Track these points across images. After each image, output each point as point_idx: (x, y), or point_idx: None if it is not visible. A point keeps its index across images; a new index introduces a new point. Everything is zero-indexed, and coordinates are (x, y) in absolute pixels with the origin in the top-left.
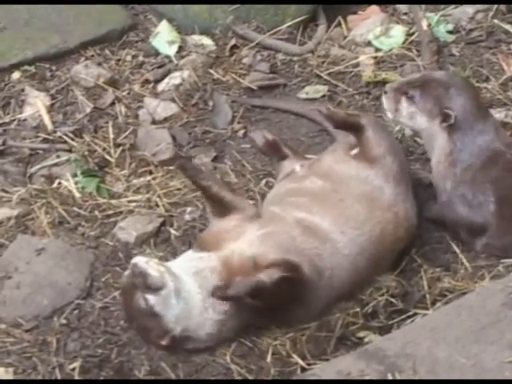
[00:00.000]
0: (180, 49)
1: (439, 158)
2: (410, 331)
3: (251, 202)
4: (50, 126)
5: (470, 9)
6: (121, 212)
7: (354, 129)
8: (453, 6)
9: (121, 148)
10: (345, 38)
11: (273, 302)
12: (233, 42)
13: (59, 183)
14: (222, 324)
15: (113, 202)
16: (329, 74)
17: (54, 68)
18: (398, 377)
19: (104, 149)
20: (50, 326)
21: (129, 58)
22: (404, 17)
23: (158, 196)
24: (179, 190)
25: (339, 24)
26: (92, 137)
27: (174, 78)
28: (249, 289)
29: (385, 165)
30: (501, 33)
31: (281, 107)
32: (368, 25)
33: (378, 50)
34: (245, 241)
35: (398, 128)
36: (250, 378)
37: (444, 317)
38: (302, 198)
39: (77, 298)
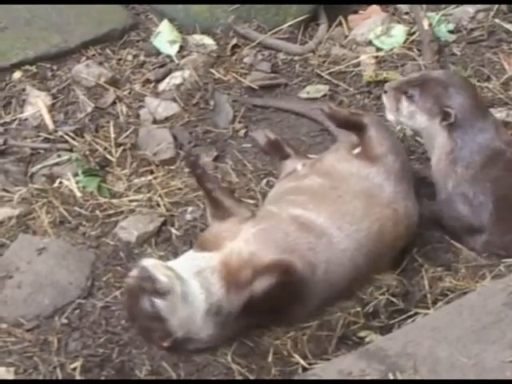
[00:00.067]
0: (181, 48)
1: (440, 156)
2: (411, 331)
3: (252, 201)
4: (51, 126)
5: (471, 8)
6: (122, 211)
7: (356, 128)
8: (454, 5)
9: (122, 147)
10: (346, 37)
11: (269, 306)
12: (234, 41)
13: (60, 183)
14: (223, 325)
15: (114, 201)
16: (330, 74)
17: (55, 67)
18: (399, 376)
19: (105, 148)
20: (51, 326)
21: (130, 57)
22: (405, 16)
23: (159, 195)
24: (180, 189)
25: (340, 23)
26: (93, 136)
27: (175, 78)
28: (243, 305)
29: (386, 163)
30: (502, 32)
31: (282, 107)
32: (369, 24)
33: (379, 49)
34: (241, 239)
35: (399, 127)
36: (251, 377)
37: (445, 316)
38: (300, 195)
39: (78, 298)
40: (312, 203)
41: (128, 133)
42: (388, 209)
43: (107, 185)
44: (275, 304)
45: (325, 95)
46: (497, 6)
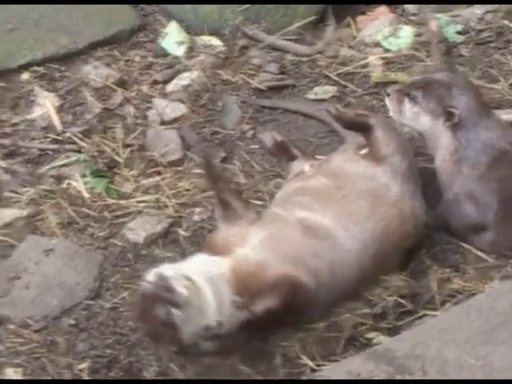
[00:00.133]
0: (189, 49)
1: (444, 157)
2: (419, 332)
3: (260, 202)
4: (59, 127)
5: (479, 9)
6: (130, 212)
7: (363, 129)
8: (462, 6)
9: (130, 148)
10: (354, 38)
11: (271, 322)
12: (242, 42)
13: (68, 184)
14: (232, 333)
15: (122, 202)
16: (338, 75)
17: (63, 69)
18: (407, 378)
19: (113, 149)
20: (58, 327)
21: (138, 58)
22: (413, 17)
23: (167, 196)
24: (188, 190)
25: (348, 24)
26: (101, 137)
27: (183, 79)
28: (246, 325)
29: (393, 163)
30: (510, 33)
31: (290, 108)
32: (377, 25)
33: (386, 50)
34: (248, 245)
35: (407, 129)
36: (259, 379)
37: (453, 318)
38: (306, 196)
39: (86, 299)
40: (317, 204)
41: (136, 134)
42: (394, 208)
43: (115, 186)
44: (277, 319)
45: (333, 96)
46: (505, 7)
